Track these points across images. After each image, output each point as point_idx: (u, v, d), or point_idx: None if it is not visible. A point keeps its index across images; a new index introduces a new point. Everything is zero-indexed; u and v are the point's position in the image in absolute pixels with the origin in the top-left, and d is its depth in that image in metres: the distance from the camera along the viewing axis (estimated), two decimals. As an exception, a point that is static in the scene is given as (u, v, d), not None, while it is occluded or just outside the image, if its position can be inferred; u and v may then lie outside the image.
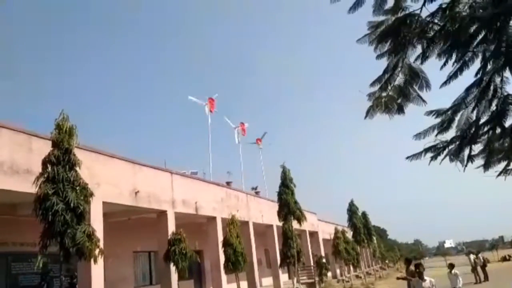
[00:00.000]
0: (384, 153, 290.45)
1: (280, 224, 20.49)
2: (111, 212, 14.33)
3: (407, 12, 5.00)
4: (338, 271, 35.48)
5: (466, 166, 4.89)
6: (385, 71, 5.30)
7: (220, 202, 20.33)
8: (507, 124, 4.45)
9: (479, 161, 5.09)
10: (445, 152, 4.85)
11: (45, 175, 7.95)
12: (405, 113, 5.40)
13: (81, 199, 8.08)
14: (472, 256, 25.09)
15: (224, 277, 18.04)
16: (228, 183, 24.74)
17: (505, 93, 4.49)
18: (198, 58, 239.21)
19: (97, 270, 11.48)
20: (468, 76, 4.64)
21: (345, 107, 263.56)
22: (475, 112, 4.69)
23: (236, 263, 15.44)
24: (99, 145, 13.56)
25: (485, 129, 4.62)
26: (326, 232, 38.07)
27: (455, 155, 4.83)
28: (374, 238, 41.66)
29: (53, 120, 8.44)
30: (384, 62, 5.38)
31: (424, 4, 4.77)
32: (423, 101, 5.19)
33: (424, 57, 4.89)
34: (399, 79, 5.29)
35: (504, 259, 50.40)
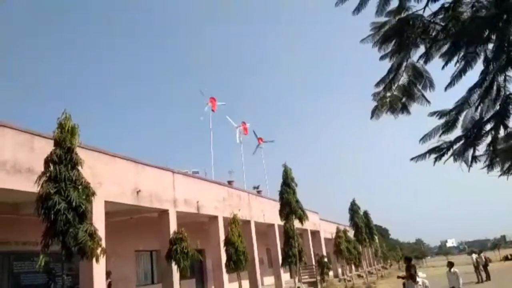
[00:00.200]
0: (386, 153, 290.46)
1: (282, 223, 20.48)
2: (113, 211, 14.34)
3: (410, 12, 4.99)
4: (339, 270, 35.51)
5: (470, 166, 4.87)
6: (389, 71, 5.29)
7: (222, 201, 20.34)
8: (510, 124, 4.44)
9: (483, 161, 5.07)
10: (449, 152, 4.83)
11: (47, 174, 7.96)
12: (410, 112, 5.38)
13: (83, 198, 8.08)
14: (474, 256, 25.07)
15: (225, 276, 18.05)
16: (229, 182, 24.75)
17: (508, 92, 4.48)
18: (198, 58, 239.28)
19: (99, 269, 11.50)
20: (472, 77, 4.63)
21: (348, 107, 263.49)
22: (478, 111, 4.68)
23: (237, 262, 15.44)
24: (100, 145, 13.59)
25: (488, 128, 4.61)
26: (327, 231, 38.05)
27: (459, 155, 4.81)
28: (376, 237, 41.65)
29: (52, 120, 8.46)
30: (386, 62, 5.38)
31: (427, 4, 4.76)
32: (427, 101, 5.18)
33: (427, 57, 4.88)
34: (403, 79, 5.28)
35: (506, 258, 50.36)
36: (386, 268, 54.02)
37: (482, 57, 4.62)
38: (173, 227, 15.31)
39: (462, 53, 4.62)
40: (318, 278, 24.47)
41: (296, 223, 19.79)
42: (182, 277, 13.95)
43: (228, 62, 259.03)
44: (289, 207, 18.86)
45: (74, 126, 8.47)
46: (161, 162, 20.30)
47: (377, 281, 31.89)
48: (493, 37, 4.39)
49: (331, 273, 30.54)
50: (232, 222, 16.24)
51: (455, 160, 4.85)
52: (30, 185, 8.76)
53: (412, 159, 5.01)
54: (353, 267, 34.33)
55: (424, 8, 4.83)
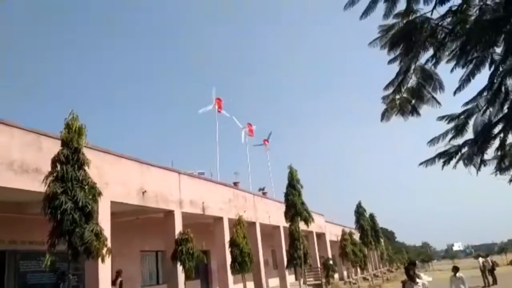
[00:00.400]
0: (393, 155, 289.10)
1: (287, 225, 20.44)
2: (119, 211, 14.38)
3: (418, 15, 4.96)
4: (345, 273, 35.36)
5: (479, 170, 4.84)
6: (398, 74, 5.27)
7: (227, 203, 20.34)
8: None
9: (492, 165, 5.04)
10: (458, 156, 4.79)
11: (54, 174, 8.00)
12: (420, 114, 5.36)
13: (89, 198, 8.11)
14: (481, 259, 24.85)
15: (230, 277, 18.04)
16: (235, 184, 24.76)
17: None
18: (198, 58, 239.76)
19: (105, 269, 11.55)
20: (480, 81, 4.60)
21: (349, 107, 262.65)
22: (487, 115, 4.65)
23: (242, 263, 15.44)
24: (101, 145, 13.59)
25: (497, 131, 4.58)
26: (333, 233, 37.93)
27: (468, 159, 4.78)
28: (382, 240, 41.40)
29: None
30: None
31: (434, 7, 4.73)
32: (438, 102, 5.14)
33: (436, 60, 4.85)
34: (412, 82, 5.25)
35: (513, 262, 49.87)
36: (392, 271, 53.72)
37: (489, 60, 4.59)
38: (178, 227, 15.32)
39: (470, 57, 4.59)
40: (323, 280, 24.41)
41: (302, 225, 19.75)
42: (187, 278, 13.95)
43: (228, 62, 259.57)
44: (295, 209, 18.82)
45: (81, 127, 8.51)
46: (162, 162, 20.30)
47: (382, 284, 31.71)
48: (501, 40, 4.36)
49: (336, 275, 30.43)
50: (237, 224, 16.24)
51: (464, 164, 4.81)
52: (37, 184, 8.82)
53: (421, 163, 4.98)
54: (358, 269, 34.19)
55: (432, 10, 4.80)
